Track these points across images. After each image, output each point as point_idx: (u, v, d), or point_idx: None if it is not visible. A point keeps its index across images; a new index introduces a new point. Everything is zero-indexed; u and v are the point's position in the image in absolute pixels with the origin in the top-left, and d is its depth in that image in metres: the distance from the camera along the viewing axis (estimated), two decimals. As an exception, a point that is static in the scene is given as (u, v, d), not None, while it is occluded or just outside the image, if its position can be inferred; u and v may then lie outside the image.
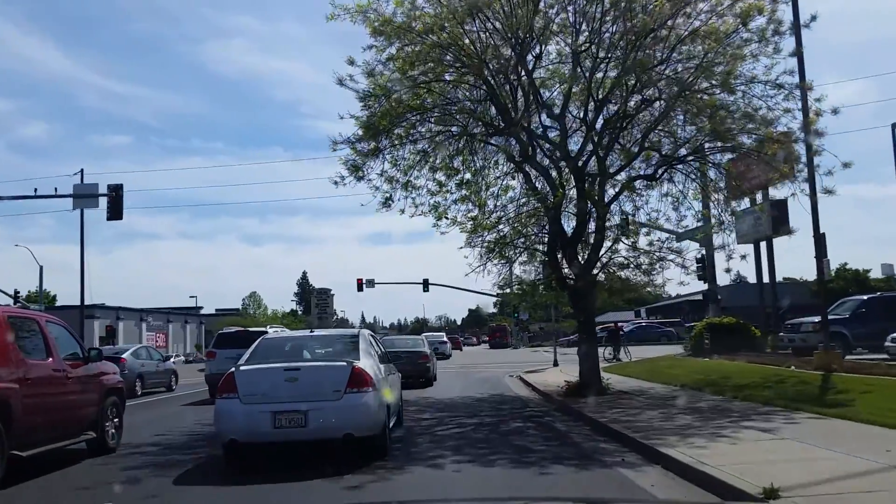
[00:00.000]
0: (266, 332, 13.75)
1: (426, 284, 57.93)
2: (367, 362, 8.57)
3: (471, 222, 15.99)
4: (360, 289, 55.48)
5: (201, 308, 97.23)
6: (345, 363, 8.24)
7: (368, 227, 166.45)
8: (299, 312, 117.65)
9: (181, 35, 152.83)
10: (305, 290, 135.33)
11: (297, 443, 8.10)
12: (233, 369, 8.32)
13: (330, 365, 8.50)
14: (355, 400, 7.94)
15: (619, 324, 30.27)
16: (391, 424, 9.28)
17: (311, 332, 11.45)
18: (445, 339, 51.52)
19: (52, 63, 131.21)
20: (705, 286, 29.30)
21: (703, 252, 23.58)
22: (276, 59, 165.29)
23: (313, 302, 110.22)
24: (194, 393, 21.26)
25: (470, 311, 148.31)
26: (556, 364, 26.10)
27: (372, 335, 10.70)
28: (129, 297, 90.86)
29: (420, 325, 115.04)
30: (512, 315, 63.76)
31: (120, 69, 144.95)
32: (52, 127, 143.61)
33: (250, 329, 23.04)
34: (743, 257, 17.33)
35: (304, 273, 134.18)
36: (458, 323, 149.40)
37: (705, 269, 26.37)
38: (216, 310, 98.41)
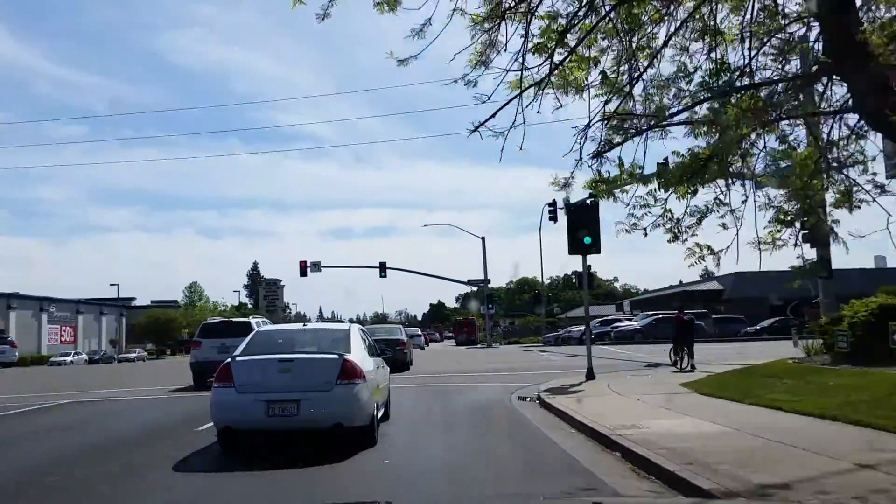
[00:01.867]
0: (249, 323, 18.80)
1: (382, 269, 50.54)
2: (357, 355, 8.67)
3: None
4: (303, 273, 48.76)
5: (133, 299, 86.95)
6: (336, 356, 8.31)
7: (328, 222, 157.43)
8: (249, 305, 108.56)
9: (138, 24, 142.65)
10: (255, 282, 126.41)
11: (289, 431, 8.20)
12: (229, 360, 8.41)
13: (322, 357, 8.50)
14: (345, 391, 8.07)
15: (686, 313, 19.08)
16: (379, 416, 9.19)
17: (304, 325, 12.25)
18: (420, 333, 51.86)
19: (3, 50, 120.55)
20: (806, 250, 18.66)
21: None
22: (235, 49, 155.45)
23: (261, 293, 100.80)
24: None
25: (431, 305, 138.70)
26: (591, 375, 15.59)
27: (362, 329, 10.73)
28: (85, 291, 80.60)
29: (380, 321, 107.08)
30: (486, 307, 57.33)
31: (75, 57, 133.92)
32: (4, 115, 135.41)
33: (233, 320, 23.62)
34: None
35: (256, 264, 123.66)
36: (419, 318, 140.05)
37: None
38: (152, 301, 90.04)
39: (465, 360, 30.20)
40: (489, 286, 59.70)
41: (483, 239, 57.86)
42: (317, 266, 49.84)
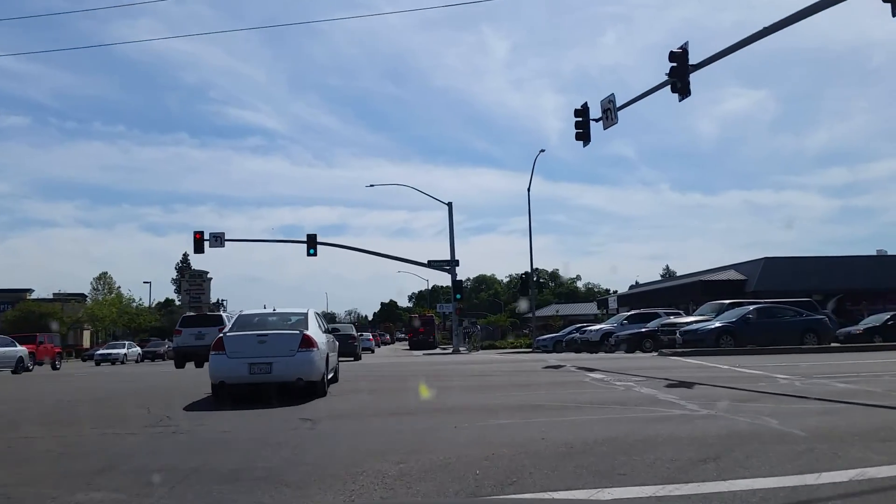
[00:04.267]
0: (221, 315, 27.55)
1: (311, 243, 40.38)
2: (313, 331, 12.23)
3: None
4: (198, 249, 39.21)
5: (30, 291, 79.56)
6: (298, 332, 11.86)
7: (278, 219, 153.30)
8: (177, 302, 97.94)
9: (83, 12, 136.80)
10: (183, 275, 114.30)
11: (265, 384, 11.54)
12: (221, 335, 12.06)
13: (288, 333, 11.94)
14: (304, 356, 11.52)
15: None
16: (329, 376, 13.07)
17: (274, 310, 14.65)
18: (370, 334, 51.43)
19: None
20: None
21: None
22: (184, 40, 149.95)
23: (184, 286, 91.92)
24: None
25: (383, 304, 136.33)
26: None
27: (317, 313, 14.08)
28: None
29: (329, 320, 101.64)
30: (453, 296, 44.23)
31: (16, 45, 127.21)
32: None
33: (208, 313, 31.42)
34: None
35: (185, 256, 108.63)
36: (370, 318, 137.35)
37: None
38: (54, 294, 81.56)
39: (431, 375, 17.55)
40: (457, 269, 44.00)
41: (450, 206, 44.81)
42: (218, 240, 40.01)
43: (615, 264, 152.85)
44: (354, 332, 36.68)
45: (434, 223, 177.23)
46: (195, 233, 39.37)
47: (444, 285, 76.24)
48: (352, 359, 30.27)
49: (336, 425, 8.71)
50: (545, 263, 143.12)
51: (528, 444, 6.45)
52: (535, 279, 65.17)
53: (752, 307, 24.76)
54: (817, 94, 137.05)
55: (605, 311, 58.06)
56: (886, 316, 29.61)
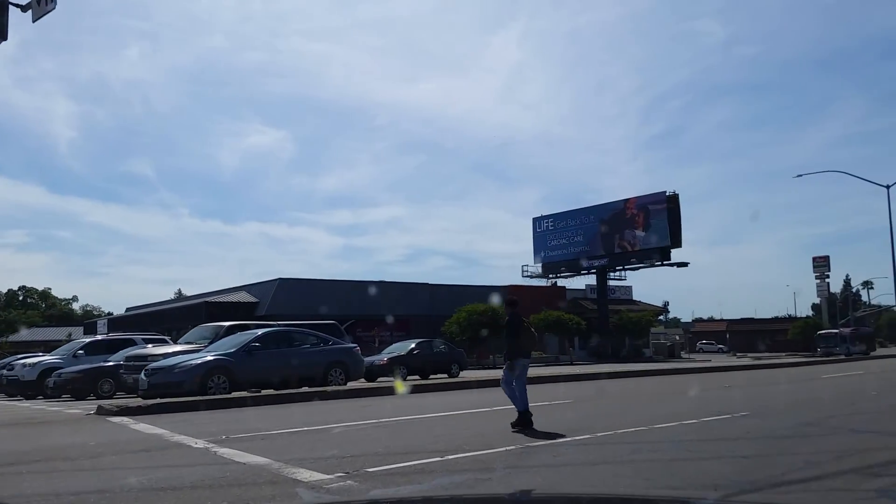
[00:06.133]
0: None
1: None
2: None
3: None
4: None
5: None
6: None
7: None
8: None
9: None
10: None
11: None
12: None
13: None
14: None
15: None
16: None
17: None
18: None
19: None
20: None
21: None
22: None
23: None
24: None
25: None
26: None
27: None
28: None
29: None
30: None
31: None
32: None
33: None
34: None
35: None
36: None
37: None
38: None
39: None
40: None
41: None
42: None
43: (124, 287, 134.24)
44: None
45: None
46: None
47: None
48: None
49: None
50: (37, 282, 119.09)
51: None
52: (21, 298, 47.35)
53: (260, 332, 16.69)
54: (330, 141, 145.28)
55: (94, 335, 45.67)
56: (412, 344, 25.25)
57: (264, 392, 14.73)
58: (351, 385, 16.77)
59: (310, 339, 17.08)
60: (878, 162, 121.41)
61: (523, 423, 8.94)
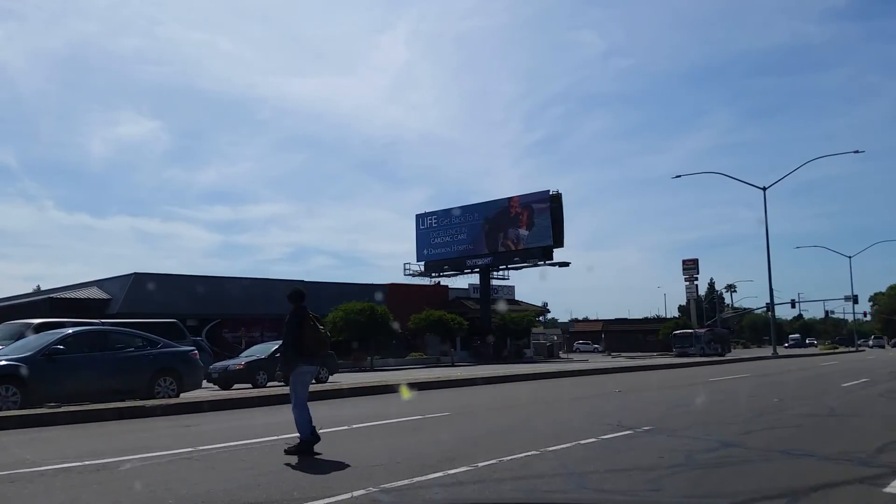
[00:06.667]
0: None
1: None
2: None
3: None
4: None
5: None
6: None
7: None
8: None
9: None
10: None
11: None
12: None
13: None
14: None
15: None
16: None
17: None
18: None
19: None
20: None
21: None
22: None
23: None
24: None
25: None
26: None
27: None
28: None
29: None
30: None
31: None
32: None
33: None
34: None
35: None
36: None
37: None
38: None
39: None
40: None
41: None
42: None
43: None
44: None
45: None
46: None
47: None
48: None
49: None
50: None
51: None
52: None
53: (69, 331, 13.45)
54: (209, 134, 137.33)
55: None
56: (273, 347, 22.36)
57: (65, 408, 11.60)
58: (186, 397, 13.86)
59: (134, 341, 13.97)
60: (747, 171, 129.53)
61: (301, 451, 7.30)
